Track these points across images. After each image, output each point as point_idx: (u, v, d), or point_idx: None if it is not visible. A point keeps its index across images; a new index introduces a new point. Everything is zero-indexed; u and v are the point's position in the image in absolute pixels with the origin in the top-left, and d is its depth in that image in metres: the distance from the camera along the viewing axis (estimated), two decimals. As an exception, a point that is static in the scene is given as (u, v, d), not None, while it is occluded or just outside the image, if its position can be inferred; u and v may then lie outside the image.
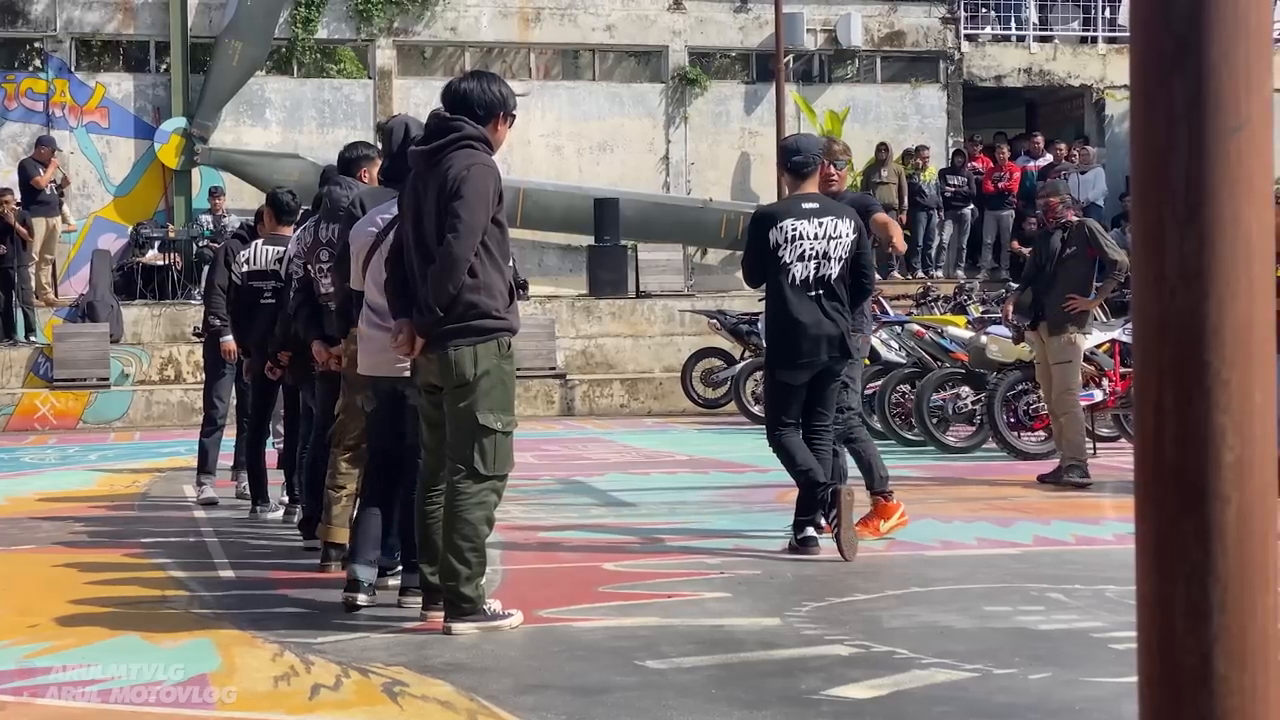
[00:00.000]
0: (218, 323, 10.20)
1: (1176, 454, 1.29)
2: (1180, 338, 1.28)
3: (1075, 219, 10.92)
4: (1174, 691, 1.29)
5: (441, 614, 6.11)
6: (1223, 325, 1.27)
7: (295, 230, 8.77)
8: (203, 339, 10.97)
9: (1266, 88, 1.29)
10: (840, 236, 7.81)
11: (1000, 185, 23.48)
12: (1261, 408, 1.29)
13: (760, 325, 16.64)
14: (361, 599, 6.49)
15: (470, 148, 6.02)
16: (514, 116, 6.31)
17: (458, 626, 5.98)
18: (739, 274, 9.08)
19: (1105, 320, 12.74)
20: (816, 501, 7.77)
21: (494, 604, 6.18)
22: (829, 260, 7.78)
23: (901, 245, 9.05)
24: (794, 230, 7.75)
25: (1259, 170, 1.29)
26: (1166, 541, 1.30)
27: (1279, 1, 21.09)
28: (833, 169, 8.47)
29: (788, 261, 7.75)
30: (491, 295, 6.00)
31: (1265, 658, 1.29)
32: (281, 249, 9.02)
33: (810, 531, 7.87)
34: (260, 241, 9.50)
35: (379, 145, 8.19)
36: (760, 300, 20.14)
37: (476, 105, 6.12)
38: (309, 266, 8.04)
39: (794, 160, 7.96)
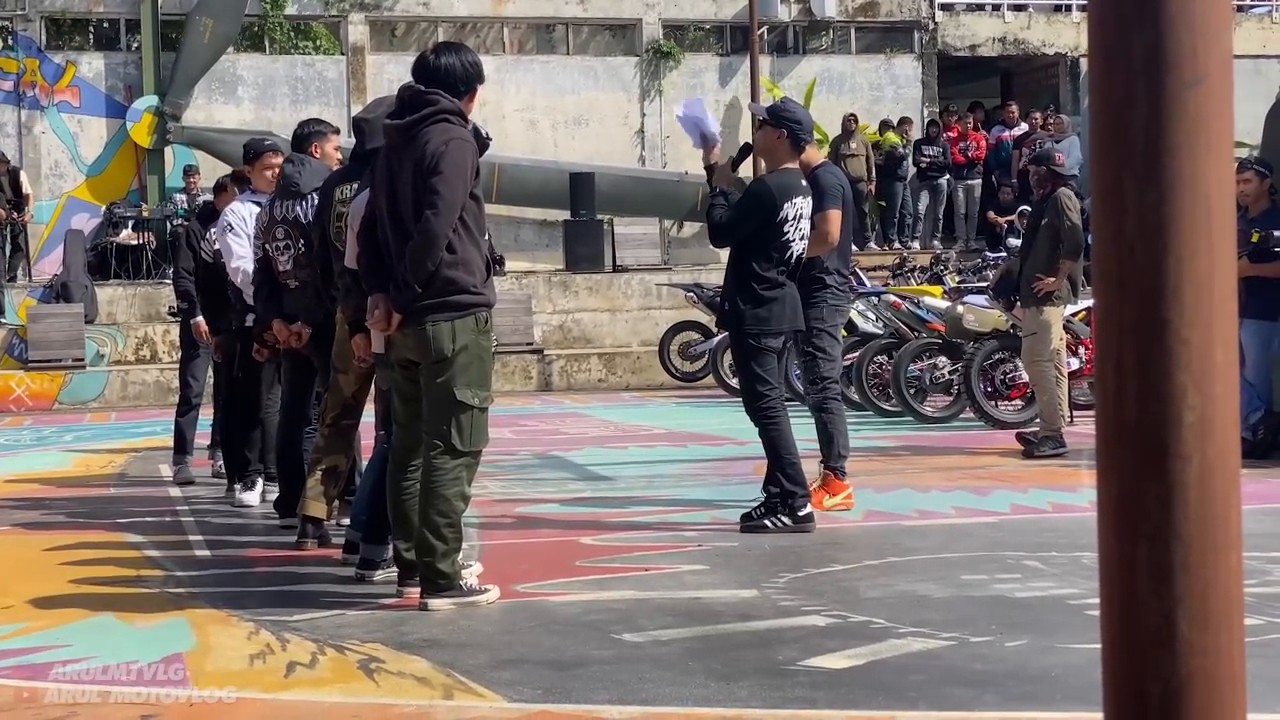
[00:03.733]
0: (185, 305, 10.22)
1: (1138, 414, 1.28)
2: (1140, 296, 1.27)
3: (1063, 189, 10.76)
4: (1136, 653, 1.28)
5: (417, 590, 6.10)
6: (1183, 283, 1.26)
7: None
8: (178, 318, 10.96)
9: (1225, 42, 1.27)
10: (810, 214, 7.86)
11: (970, 155, 23.48)
12: (1223, 366, 1.28)
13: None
14: (374, 575, 6.51)
15: (447, 121, 5.98)
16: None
17: (434, 602, 5.96)
18: (714, 247, 9.01)
19: (1085, 287, 12.73)
20: (800, 475, 7.74)
21: (470, 579, 6.17)
22: (806, 239, 7.81)
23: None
24: (799, 209, 7.71)
25: (1218, 126, 1.27)
26: (1128, 502, 1.28)
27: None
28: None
29: (790, 239, 7.69)
30: (470, 271, 5.97)
31: (1228, 618, 1.29)
32: None
33: (810, 508, 7.80)
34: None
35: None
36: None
37: (458, 80, 6.07)
38: (266, 246, 8.01)
39: (804, 138, 7.86)
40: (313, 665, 5.19)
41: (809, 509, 7.72)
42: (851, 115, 22.79)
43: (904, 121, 23.38)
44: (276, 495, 8.45)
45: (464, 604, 5.99)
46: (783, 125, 7.81)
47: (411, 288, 5.88)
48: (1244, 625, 1.31)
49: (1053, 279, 10.49)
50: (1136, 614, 1.28)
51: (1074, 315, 12.44)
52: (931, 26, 25.08)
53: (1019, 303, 10.95)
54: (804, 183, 7.87)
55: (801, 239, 7.75)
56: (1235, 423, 1.30)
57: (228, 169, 19.12)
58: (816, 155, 8.74)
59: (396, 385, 6.22)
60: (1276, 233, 10.06)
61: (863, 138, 22.72)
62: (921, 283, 17.10)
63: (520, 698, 4.69)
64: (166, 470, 10.76)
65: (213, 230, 9.47)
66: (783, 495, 7.68)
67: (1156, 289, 1.26)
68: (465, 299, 5.96)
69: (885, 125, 23.42)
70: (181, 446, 10.43)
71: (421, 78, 6.08)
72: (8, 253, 20.12)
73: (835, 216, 8.21)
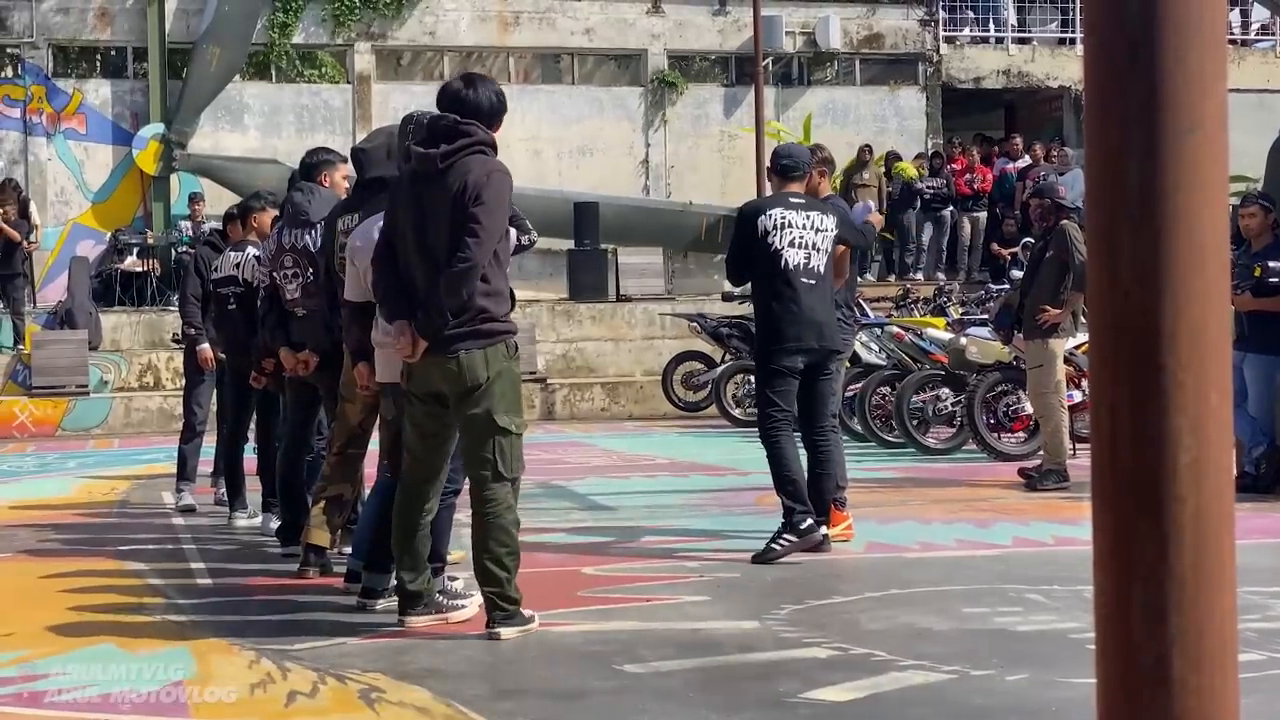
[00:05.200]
0: (192, 331, 10.24)
1: (1133, 456, 1.29)
2: (1135, 340, 1.28)
3: (1066, 221, 10.77)
4: (1131, 693, 1.29)
5: (420, 620, 6.13)
6: (1177, 327, 1.27)
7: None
8: (183, 345, 11.00)
9: (1220, 90, 1.29)
10: (826, 229, 8.01)
11: (976, 187, 23.51)
12: (1217, 409, 1.29)
13: (743, 327, 16.67)
14: (379, 605, 6.49)
15: (483, 153, 6.01)
16: None
17: (505, 631, 5.94)
18: (718, 277, 9.17)
19: (1085, 322, 12.72)
20: (800, 492, 7.76)
21: (471, 608, 6.20)
22: (818, 251, 7.94)
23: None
24: (782, 218, 7.94)
25: (1213, 172, 1.29)
26: (1124, 543, 1.30)
27: (1236, 6, 20.99)
28: (816, 178, 8.62)
29: (779, 248, 7.89)
30: (500, 302, 6.01)
31: (1223, 659, 1.30)
32: (239, 255, 9.17)
33: (810, 521, 7.82)
34: (228, 249, 9.58)
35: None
36: (740, 303, 20.22)
37: (495, 112, 6.10)
38: (274, 274, 8.05)
39: (783, 164, 8.19)
40: (313, 694, 5.19)
41: (809, 522, 7.74)
42: (866, 146, 22.86)
43: (916, 156, 23.47)
44: (279, 523, 8.45)
45: (526, 631, 5.99)
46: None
47: (443, 315, 5.85)
48: (1238, 665, 1.32)
49: (1059, 311, 10.51)
50: (1131, 654, 1.29)
51: (1076, 348, 12.44)
52: (936, 59, 25.15)
53: (1020, 334, 10.96)
54: (795, 199, 8.06)
55: (793, 247, 7.90)
56: (1230, 465, 1.31)
57: (233, 197, 19.20)
58: (825, 187, 8.83)
59: (414, 419, 6.14)
60: (1272, 264, 10.05)
61: (875, 169, 22.79)
62: (925, 314, 17.12)
63: (521, 729, 4.69)
64: (169, 497, 10.76)
65: (216, 260, 9.56)
66: (785, 512, 7.73)
67: (1151, 333, 1.27)
68: (494, 327, 5.97)
69: (893, 156, 23.41)
70: (184, 473, 10.43)
71: (448, 108, 6.07)
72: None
73: (847, 252, 8.37)
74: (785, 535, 7.70)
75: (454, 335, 5.89)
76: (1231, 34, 26.11)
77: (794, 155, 8.33)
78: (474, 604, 6.36)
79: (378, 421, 7.16)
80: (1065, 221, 10.66)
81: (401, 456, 6.30)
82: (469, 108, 6.05)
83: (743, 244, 8.04)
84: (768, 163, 8.51)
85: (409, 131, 6.76)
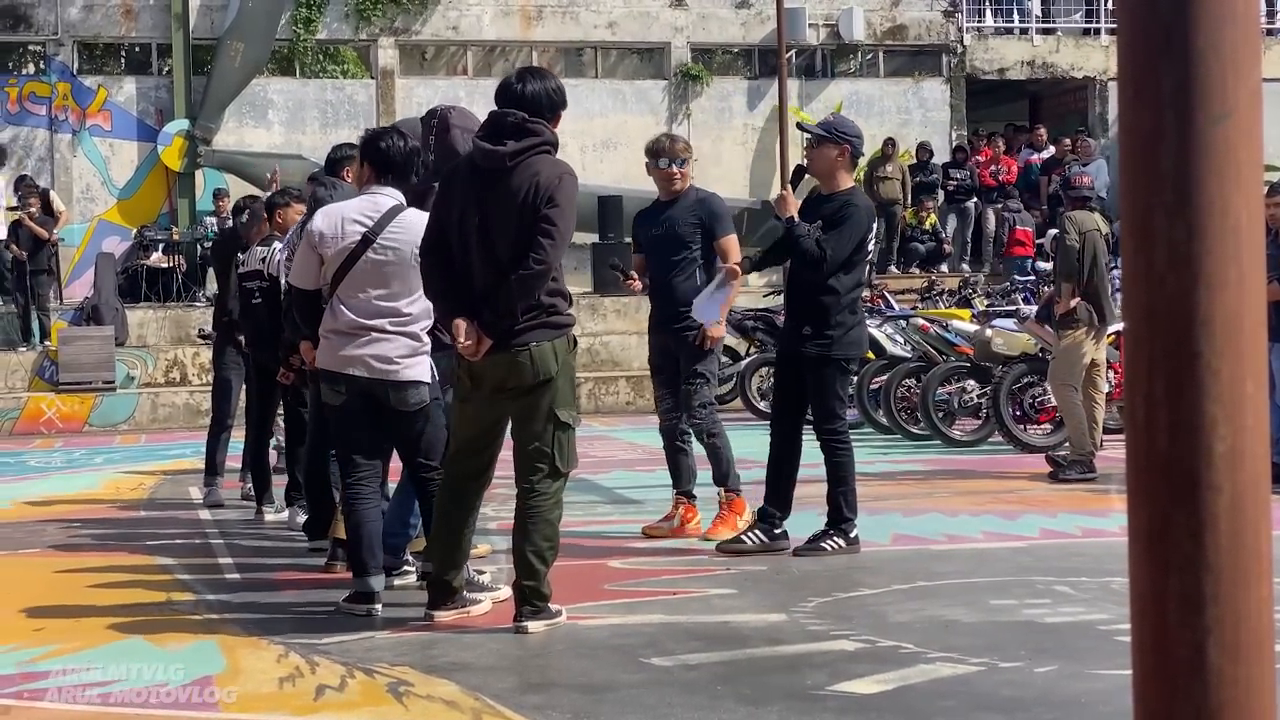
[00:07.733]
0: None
1: (1168, 444, 1.28)
2: (1170, 327, 1.27)
3: (1075, 211, 10.83)
4: (1168, 684, 1.28)
5: (447, 615, 6.14)
6: (1213, 314, 1.26)
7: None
8: (208, 341, 11.03)
9: (1254, 75, 1.28)
10: None
11: (1000, 179, 23.43)
12: (1253, 397, 1.28)
13: (768, 320, 16.66)
14: (377, 609, 6.43)
15: (548, 153, 5.99)
16: None
17: (533, 625, 5.96)
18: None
19: (1116, 311, 12.69)
20: (855, 501, 7.80)
21: (488, 602, 6.22)
22: None
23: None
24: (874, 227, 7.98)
25: (1247, 158, 1.28)
26: (1159, 533, 1.29)
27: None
28: (675, 169, 8.57)
29: (869, 252, 7.95)
30: (566, 298, 6.09)
31: (1259, 649, 1.29)
32: (265, 250, 9.19)
33: (857, 531, 7.85)
34: (254, 244, 9.61)
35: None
36: (767, 296, 20.19)
37: (545, 107, 6.04)
38: None
39: (861, 149, 7.96)
40: (342, 688, 5.20)
41: (857, 531, 7.77)
42: (890, 139, 22.81)
43: (922, 148, 23.35)
44: (305, 518, 8.47)
45: (553, 625, 6.00)
46: (846, 141, 7.81)
47: (513, 316, 5.84)
48: (1275, 655, 1.31)
49: (1060, 302, 10.58)
50: (1167, 645, 1.28)
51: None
52: (960, 50, 25.07)
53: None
54: None
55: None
56: (1266, 453, 1.30)
57: (258, 192, 19.24)
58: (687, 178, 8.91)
59: (469, 415, 6.12)
60: None
61: (899, 161, 22.74)
62: (950, 306, 17.08)
63: (549, 722, 4.70)
64: (196, 493, 10.79)
65: (241, 255, 9.59)
66: (838, 519, 7.72)
67: (1186, 321, 1.26)
68: (561, 319, 6.02)
69: (923, 147, 23.29)
70: (212, 469, 10.46)
71: (510, 104, 6.01)
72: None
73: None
74: (837, 539, 7.70)
75: (523, 329, 5.88)
76: (1257, 23, 25.94)
77: (862, 136, 8.04)
78: (490, 598, 6.39)
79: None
80: (1075, 211, 10.72)
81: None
82: (534, 104, 6.00)
83: (855, 242, 7.66)
84: (833, 139, 7.77)
85: (431, 126, 6.74)
